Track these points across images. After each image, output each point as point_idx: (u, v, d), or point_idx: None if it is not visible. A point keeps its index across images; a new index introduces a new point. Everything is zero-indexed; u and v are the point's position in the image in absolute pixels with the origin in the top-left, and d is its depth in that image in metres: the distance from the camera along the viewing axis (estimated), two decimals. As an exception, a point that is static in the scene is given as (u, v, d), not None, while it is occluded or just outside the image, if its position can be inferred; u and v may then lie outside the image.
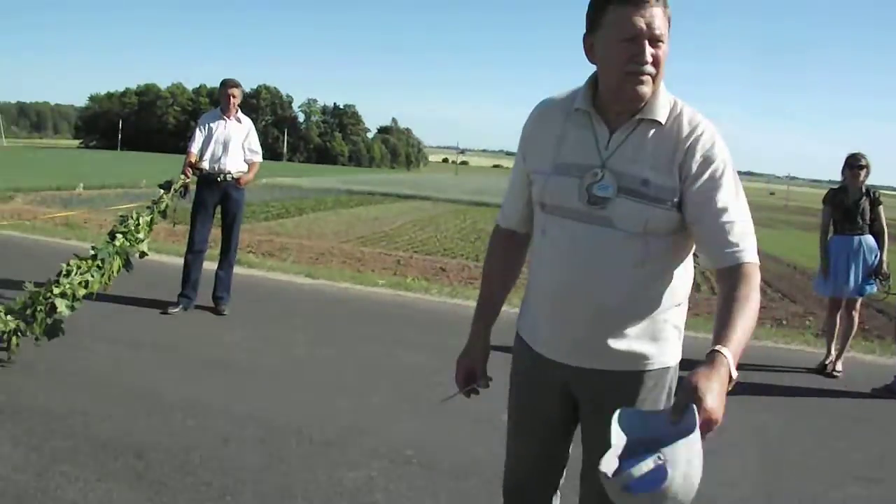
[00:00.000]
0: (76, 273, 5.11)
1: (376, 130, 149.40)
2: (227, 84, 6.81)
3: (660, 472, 1.46)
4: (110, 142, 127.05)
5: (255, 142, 6.93)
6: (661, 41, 1.81)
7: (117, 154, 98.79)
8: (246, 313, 6.79)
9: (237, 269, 7.28)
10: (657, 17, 1.78)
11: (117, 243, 5.49)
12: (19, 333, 4.71)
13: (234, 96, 6.77)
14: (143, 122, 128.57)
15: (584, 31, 1.89)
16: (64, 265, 5.14)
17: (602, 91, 1.90)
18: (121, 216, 5.81)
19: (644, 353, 1.96)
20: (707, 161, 1.84)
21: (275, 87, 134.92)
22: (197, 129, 6.82)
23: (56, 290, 4.88)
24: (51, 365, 4.91)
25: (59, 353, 5.06)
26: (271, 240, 20.60)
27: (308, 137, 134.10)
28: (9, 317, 4.66)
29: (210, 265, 7.03)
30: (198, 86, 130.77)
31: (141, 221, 5.74)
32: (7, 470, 3.42)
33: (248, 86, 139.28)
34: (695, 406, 1.51)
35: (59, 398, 4.40)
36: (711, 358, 1.62)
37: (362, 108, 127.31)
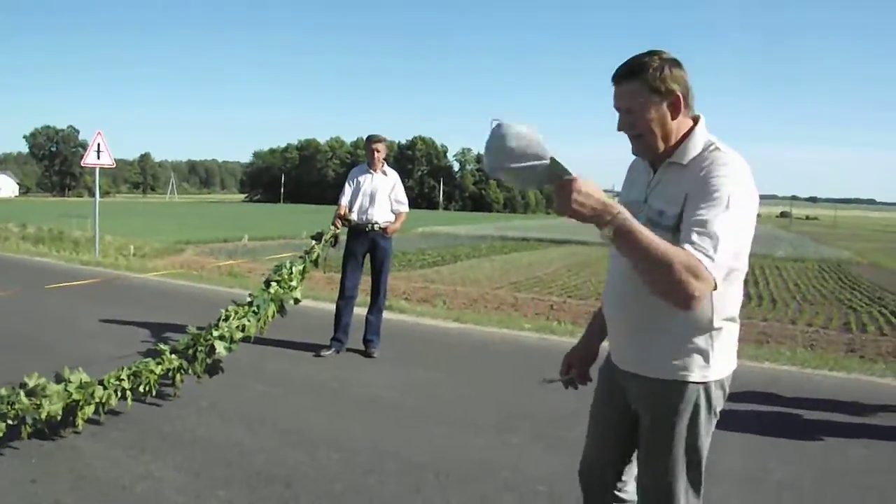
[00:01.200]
0: (234, 318, 5.54)
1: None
2: (371, 140, 7.18)
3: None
4: (273, 195, 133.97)
5: (401, 193, 7.25)
6: (630, 111, 2.21)
7: (280, 207, 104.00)
8: (394, 356, 7.07)
9: (388, 315, 7.63)
10: (618, 96, 2.21)
11: (272, 291, 5.91)
12: (182, 371, 5.16)
13: (378, 150, 7.12)
14: (304, 176, 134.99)
15: None
16: (223, 310, 5.61)
17: None
18: (275, 266, 6.25)
19: (668, 366, 2.25)
20: (707, 185, 2.07)
21: (430, 138, 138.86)
22: (346, 183, 7.22)
23: (215, 333, 5.31)
24: (211, 400, 5.33)
25: (219, 390, 5.50)
26: (426, 287, 21.09)
27: (463, 186, 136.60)
28: (173, 356, 5.11)
29: (360, 310, 7.38)
30: (355, 139, 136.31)
31: (294, 270, 6.16)
32: (170, 492, 3.78)
33: (404, 137, 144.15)
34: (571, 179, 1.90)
35: (218, 430, 4.79)
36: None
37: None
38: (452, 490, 4.00)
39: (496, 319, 10.11)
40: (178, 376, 5.12)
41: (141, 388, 4.80)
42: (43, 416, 4.19)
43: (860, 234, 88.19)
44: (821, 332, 13.81)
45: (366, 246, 7.10)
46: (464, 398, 5.93)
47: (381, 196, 7.07)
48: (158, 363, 4.97)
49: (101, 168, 16.26)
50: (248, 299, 5.80)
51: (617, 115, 2.25)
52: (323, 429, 4.93)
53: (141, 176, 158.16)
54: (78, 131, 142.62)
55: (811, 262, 38.60)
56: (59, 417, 4.29)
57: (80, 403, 4.40)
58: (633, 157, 2.41)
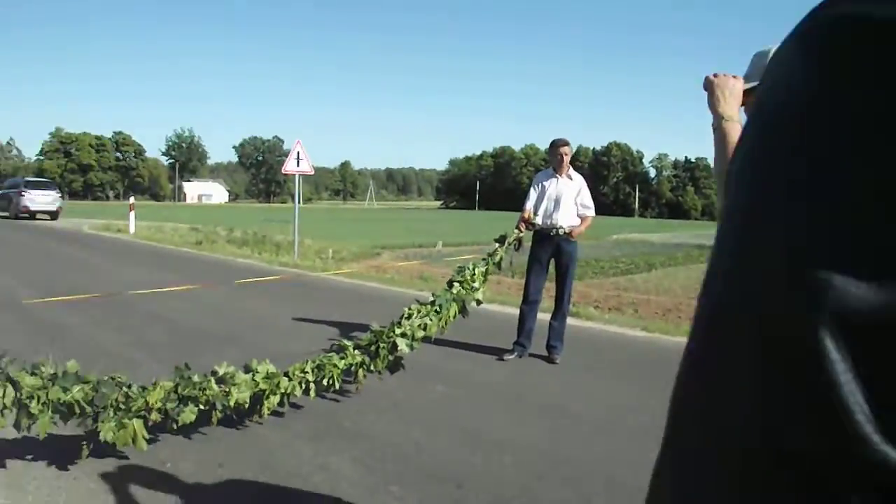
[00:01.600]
0: (416, 316, 5.62)
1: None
2: (556, 144, 7.10)
3: None
4: (469, 202, 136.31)
5: (587, 197, 7.11)
6: None
7: (474, 213, 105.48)
8: (577, 363, 6.94)
9: (574, 321, 7.52)
10: None
11: (454, 291, 5.95)
12: (364, 367, 5.28)
13: (564, 155, 7.04)
14: (499, 183, 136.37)
15: None
16: (406, 309, 5.70)
17: None
18: (458, 267, 6.28)
19: None
20: None
21: (625, 144, 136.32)
22: (531, 188, 7.17)
23: (398, 331, 5.40)
24: (392, 398, 5.43)
25: (400, 388, 5.60)
26: (619, 295, 20.60)
27: (659, 192, 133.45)
28: (356, 351, 5.24)
29: (544, 316, 7.31)
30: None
31: (476, 272, 6.17)
32: (345, 485, 3.86)
33: (599, 143, 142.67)
34: None
35: (396, 428, 4.86)
36: None
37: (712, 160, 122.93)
38: (622, 500, 3.84)
39: (685, 329, 9.69)
40: (360, 371, 5.24)
41: (324, 382, 4.95)
42: (231, 403, 4.40)
43: None
44: None
45: (550, 251, 7.01)
46: (647, 408, 5.70)
47: (566, 200, 6.96)
48: (342, 357, 5.10)
49: (302, 175, 17.03)
50: (431, 299, 5.87)
51: None
52: (500, 432, 4.89)
53: (341, 183, 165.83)
54: (282, 141, 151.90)
55: None
56: (246, 406, 4.49)
57: (266, 393, 4.58)
58: None
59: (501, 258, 6.53)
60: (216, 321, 8.52)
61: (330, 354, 5.13)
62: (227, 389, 4.42)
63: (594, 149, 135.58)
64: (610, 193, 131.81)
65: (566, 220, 6.96)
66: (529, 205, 7.03)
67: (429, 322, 5.67)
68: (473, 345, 7.29)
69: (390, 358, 5.34)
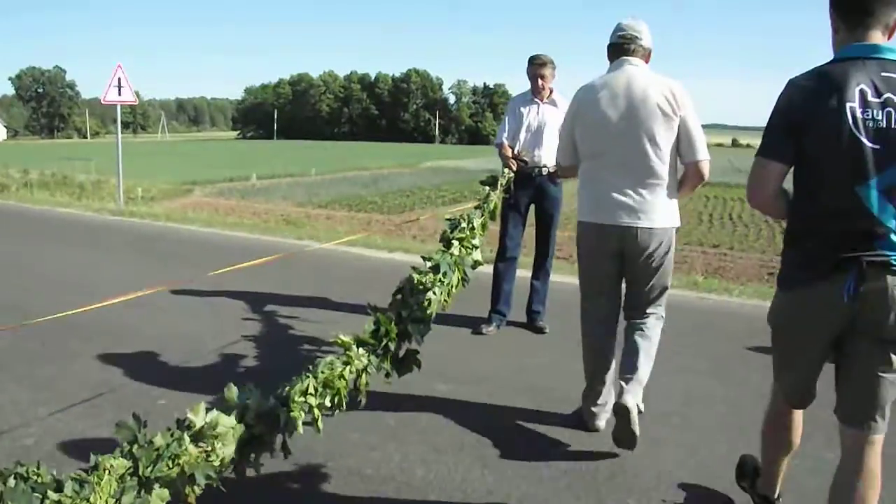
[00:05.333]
0: (422, 290, 4.08)
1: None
2: (533, 62, 5.61)
3: None
4: (266, 131, 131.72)
5: None
6: None
7: (275, 143, 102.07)
8: (563, 330, 5.68)
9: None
10: None
11: (454, 252, 4.44)
12: (367, 372, 3.71)
13: (542, 77, 5.58)
14: (298, 111, 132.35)
15: None
16: (405, 281, 4.13)
17: None
18: (449, 220, 4.74)
19: None
20: None
21: (425, 71, 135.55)
22: (505, 116, 5.76)
23: (404, 313, 3.86)
24: (382, 418, 3.92)
25: (388, 399, 4.09)
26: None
27: (459, 119, 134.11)
28: (361, 350, 3.65)
29: (522, 274, 6.01)
30: (349, 73, 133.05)
31: (475, 225, 4.68)
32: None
33: (398, 70, 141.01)
34: None
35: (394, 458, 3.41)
36: None
37: (512, 87, 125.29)
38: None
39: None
40: (363, 378, 3.65)
41: (328, 402, 3.36)
42: (216, 464, 2.72)
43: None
44: None
45: (530, 195, 5.63)
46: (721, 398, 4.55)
47: (549, 132, 5.52)
48: (346, 363, 3.51)
49: (123, 105, 14.55)
50: (430, 263, 4.32)
51: None
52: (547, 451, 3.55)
53: (130, 115, 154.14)
54: (65, 71, 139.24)
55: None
56: (231, 465, 2.84)
57: (261, 436, 2.95)
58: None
59: (496, 205, 5.07)
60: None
61: (330, 360, 3.50)
62: (209, 447, 2.74)
63: (393, 76, 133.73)
64: (410, 120, 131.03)
65: (550, 156, 5.58)
66: (506, 137, 5.60)
67: (432, 297, 4.15)
68: (439, 315, 5.77)
69: (399, 353, 3.81)
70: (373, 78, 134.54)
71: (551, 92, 5.65)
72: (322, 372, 3.41)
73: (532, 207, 5.69)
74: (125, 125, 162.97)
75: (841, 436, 2.60)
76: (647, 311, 3.83)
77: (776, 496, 3.08)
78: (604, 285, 3.86)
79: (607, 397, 3.94)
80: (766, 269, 15.06)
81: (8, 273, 7.49)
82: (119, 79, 14.07)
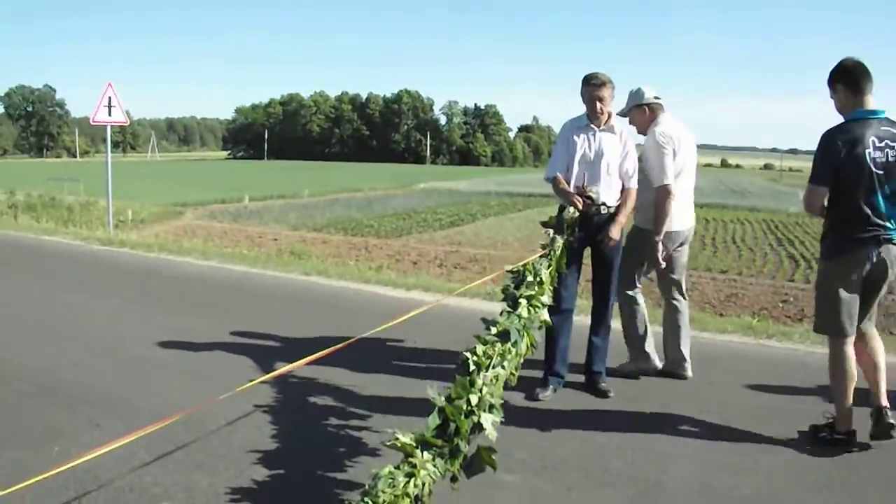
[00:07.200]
0: (489, 364, 3.28)
1: (517, 129, 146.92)
2: (589, 81, 4.80)
3: None
4: (257, 151, 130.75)
5: (631, 159, 4.91)
6: None
7: (266, 164, 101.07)
8: (625, 389, 4.87)
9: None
10: None
11: (522, 314, 3.64)
12: (432, 478, 2.88)
13: (601, 100, 4.76)
14: (288, 131, 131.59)
15: None
16: (468, 354, 3.31)
17: None
18: (511, 271, 3.95)
19: None
20: None
21: (416, 91, 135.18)
22: (558, 144, 4.99)
23: (473, 399, 3.05)
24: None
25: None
26: (456, 250, 18.90)
27: (450, 140, 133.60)
28: (425, 455, 2.84)
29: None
30: (340, 93, 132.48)
31: (543, 277, 3.87)
32: None
33: (390, 91, 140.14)
34: None
35: None
36: None
37: (503, 108, 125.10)
38: None
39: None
40: (426, 486, 2.84)
41: (388, 529, 2.55)
42: None
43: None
44: None
45: (588, 237, 4.80)
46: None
47: (606, 163, 4.77)
48: (409, 474, 2.70)
49: (114, 126, 13.89)
50: (496, 328, 3.51)
51: None
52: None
53: (121, 135, 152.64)
54: (54, 90, 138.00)
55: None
56: None
57: None
58: None
59: (563, 251, 4.27)
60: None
61: (392, 471, 2.69)
62: None
63: (384, 96, 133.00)
64: (401, 141, 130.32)
65: (610, 192, 4.81)
66: (560, 169, 4.83)
67: (501, 371, 3.36)
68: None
69: (469, 452, 3.01)
70: (364, 98, 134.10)
71: (609, 116, 4.86)
72: (382, 492, 2.60)
73: (589, 252, 4.89)
74: (115, 144, 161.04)
75: (860, 330, 4.03)
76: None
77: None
78: None
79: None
80: (779, 296, 14.57)
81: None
82: (109, 98, 13.44)
